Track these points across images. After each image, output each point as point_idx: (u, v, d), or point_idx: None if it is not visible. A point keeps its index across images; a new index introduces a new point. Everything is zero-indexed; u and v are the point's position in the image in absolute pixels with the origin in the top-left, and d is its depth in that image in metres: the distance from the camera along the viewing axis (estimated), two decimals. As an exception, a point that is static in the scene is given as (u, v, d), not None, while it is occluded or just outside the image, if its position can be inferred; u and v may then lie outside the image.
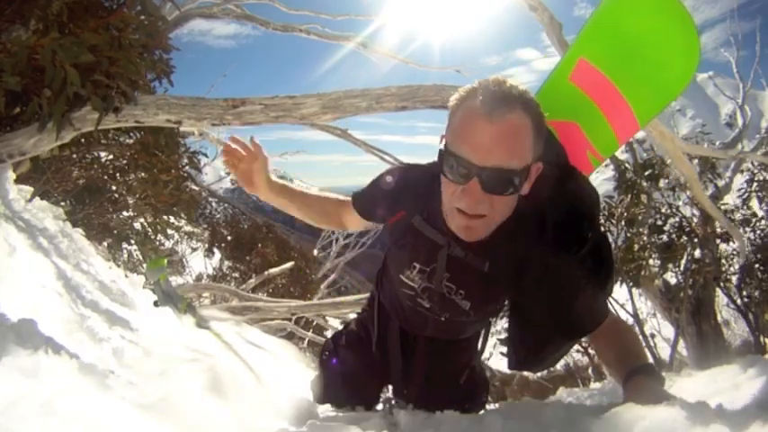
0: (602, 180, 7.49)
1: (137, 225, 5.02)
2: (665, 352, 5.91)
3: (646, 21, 0.93)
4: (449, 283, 1.02)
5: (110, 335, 1.63)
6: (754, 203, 5.57)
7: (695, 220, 5.32)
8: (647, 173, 5.05)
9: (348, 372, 1.31)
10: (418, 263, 1.04)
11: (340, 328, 1.47)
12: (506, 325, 1.12)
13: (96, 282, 2.26)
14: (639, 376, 0.78)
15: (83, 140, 3.41)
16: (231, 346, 3.24)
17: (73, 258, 2.28)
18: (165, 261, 4.14)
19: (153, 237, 5.22)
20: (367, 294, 1.49)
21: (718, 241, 5.28)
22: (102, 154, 4.26)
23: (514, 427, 0.81)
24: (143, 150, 3.93)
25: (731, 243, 5.32)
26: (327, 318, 6.47)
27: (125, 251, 5.36)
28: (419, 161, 1.10)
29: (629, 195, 5.00)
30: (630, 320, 5.57)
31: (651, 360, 1.02)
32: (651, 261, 5.04)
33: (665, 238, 5.26)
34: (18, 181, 2.56)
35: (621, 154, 5.73)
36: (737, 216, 5.49)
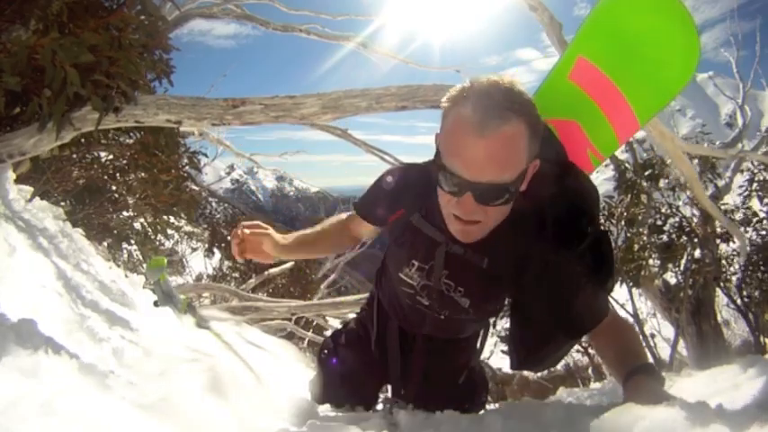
0: (602, 180, 7.48)
1: (137, 225, 5.02)
2: (665, 352, 5.91)
3: (645, 19, 0.93)
4: (447, 281, 1.02)
5: (110, 335, 1.62)
6: (755, 203, 5.57)
7: (695, 220, 5.31)
8: (647, 173, 5.05)
9: (347, 371, 1.32)
10: (417, 260, 1.04)
11: (340, 327, 1.47)
12: (507, 324, 1.12)
13: (96, 282, 2.26)
14: (639, 376, 0.78)
15: (83, 140, 3.40)
16: (231, 346, 3.24)
17: (73, 258, 2.28)
18: (165, 261, 4.13)
19: (153, 237, 5.22)
20: (366, 294, 1.49)
21: (718, 241, 5.28)
22: (102, 154, 4.26)
23: (514, 427, 0.81)
24: (143, 150, 3.92)
25: (731, 243, 5.32)
26: (327, 318, 6.46)
27: (125, 251, 5.35)
28: (419, 161, 1.10)
29: (629, 195, 5.00)
30: (630, 320, 5.56)
31: (651, 360, 1.02)
32: (651, 261, 5.04)
33: (665, 238, 5.26)
34: (18, 181, 2.56)
35: (621, 154, 5.73)
36: (738, 216, 5.49)
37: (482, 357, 1.35)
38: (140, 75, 2.06)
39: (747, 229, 5.48)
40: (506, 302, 1.11)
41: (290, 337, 6.45)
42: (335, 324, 6.60)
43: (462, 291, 1.03)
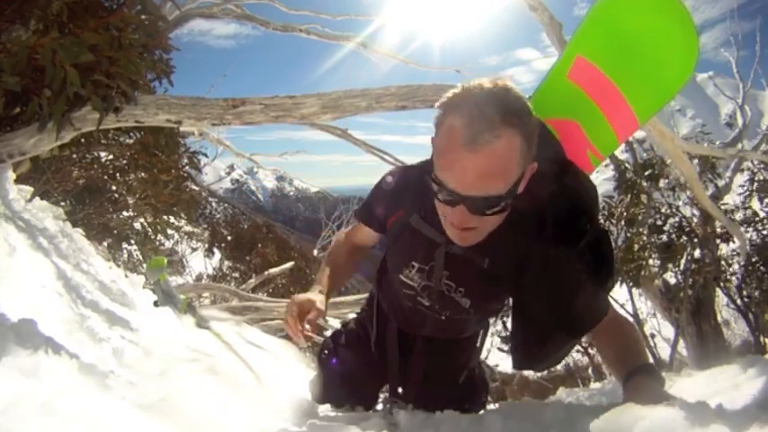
0: (602, 180, 7.48)
1: (137, 225, 5.01)
2: (665, 352, 5.91)
3: (644, 18, 0.93)
4: (448, 281, 1.02)
5: (110, 335, 1.62)
6: (755, 203, 5.57)
7: (695, 220, 5.31)
8: (647, 173, 5.05)
9: (347, 371, 1.32)
10: (417, 262, 1.04)
11: (340, 327, 1.47)
12: (508, 324, 1.11)
13: (96, 282, 2.26)
14: (639, 376, 0.78)
15: (83, 140, 3.40)
16: (231, 346, 3.24)
17: (73, 258, 2.28)
18: (165, 261, 4.13)
19: (153, 237, 5.22)
20: (366, 294, 1.49)
21: (718, 241, 5.28)
22: (102, 154, 4.26)
23: (514, 427, 0.81)
24: (143, 150, 3.92)
25: (731, 243, 5.32)
26: (327, 318, 6.46)
27: (125, 251, 5.35)
28: (419, 161, 1.10)
29: (629, 195, 5.00)
30: (630, 320, 5.55)
31: (651, 359, 1.02)
32: (651, 261, 5.04)
33: (665, 238, 5.25)
34: (18, 181, 2.56)
35: (621, 154, 5.73)
36: (738, 216, 5.49)
37: (481, 357, 1.35)
38: (140, 75, 2.06)
39: (748, 229, 5.49)
40: (507, 302, 1.11)
41: (290, 337, 6.44)
42: (335, 324, 6.60)
43: (463, 291, 1.03)
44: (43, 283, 1.60)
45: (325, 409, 1.31)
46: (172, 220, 6.16)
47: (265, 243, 9.46)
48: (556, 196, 0.87)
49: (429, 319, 1.12)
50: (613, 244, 4.82)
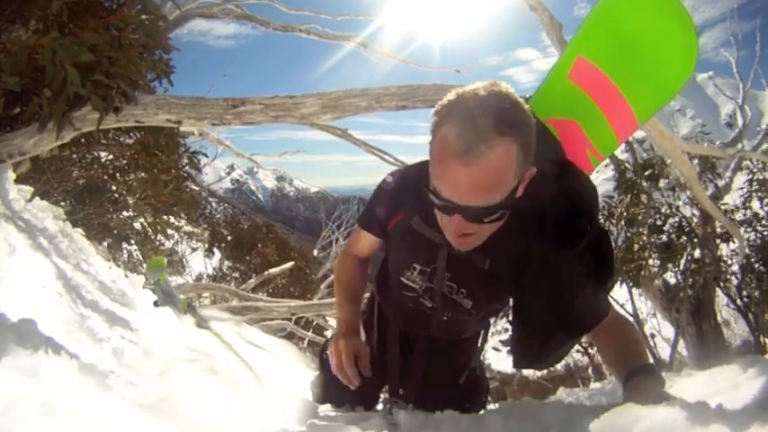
0: (602, 180, 7.49)
1: (137, 225, 5.01)
2: (665, 352, 5.91)
3: (644, 18, 0.93)
4: (450, 283, 1.02)
5: (110, 335, 1.63)
6: (755, 203, 5.57)
7: (695, 220, 5.32)
8: (647, 173, 5.05)
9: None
10: (418, 264, 1.04)
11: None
12: (508, 324, 1.11)
13: (96, 282, 2.26)
14: (640, 376, 0.78)
15: (83, 140, 3.41)
16: (231, 346, 3.24)
17: (73, 258, 2.28)
18: (165, 261, 4.13)
19: (153, 237, 5.22)
20: (367, 294, 1.49)
21: (718, 241, 5.28)
22: (102, 154, 4.26)
23: (514, 427, 0.81)
24: (143, 150, 3.93)
25: (731, 243, 5.32)
26: (327, 318, 6.46)
27: (125, 251, 5.35)
28: (419, 161, 1.10)
29: (629, 195, 5.00)
30: (630, 320, 5.55)
31: (651, 359, 1.02)
32: (651, 261, 5.04)
33: (664, 238, 5.26)
34: (18, 181, 2.56)
35: (621, 154, 5.74)
36: (738, 216, 5.49)
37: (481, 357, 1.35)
38: (140, 75, 2.06)
39: (747, 229, 5.49)
40: (508, 301, 1.11)
41: (290, 337, 6.45)
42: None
43: (465, 292, 1.03)
44: (43, 283, 1.60)
45: (326, 409, 1.31)
46: (172, 220, 6.16)
47: (265, 243, 9.47)
48: (556, 197, 0.87)
49: (431, 320, 1.12)
50: (613, 244, 4.82)
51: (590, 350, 7.23)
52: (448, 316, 1.08)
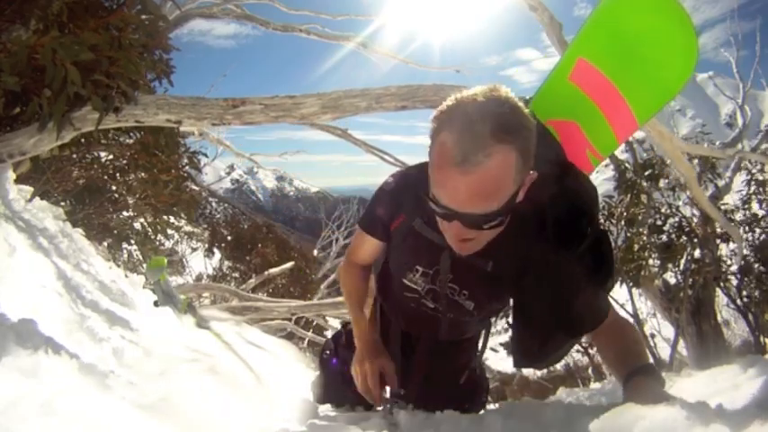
0: (602, 180, 7.49)
1: (137, 225, 5.01)
2: (665, 352, 5.91)
3: (644, 20, 0.93)
4: (452, 285, 1.02)
5: (110, 335, 1.63)
6: (755, 204, 5.57)
7: (695, 220, 5.32)
8: (647, 173, 5.05)
9: (348, 371, 1.32)
10: (421, 266, 1.04)
11: (340, 328, 1.47)
12: (507, 325, 1.11)
13: (96, 282, 2.26)
14: (640, 376, 0.78)
15: (83, 140, 3.41)
16: (231, 346, 3.24)
17: (73, 258, 2.28)
18: (165, 261, 4.13)
19: (153, 237, 5.22)
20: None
21: (718, 241, 5.28)
22: (102, 154, 4.26)
23: (514, 427, 0.81)
24: (143, 150, 3.93)
25: (731, 243, 5.32)
26: (327, 318, 6.47)
27: (125, 251, 5.35)
28: (418, 161, 1.10)
29: (629, 195, 5.00)
30: (630, 320, 5.55)
31: (651, 359, 1.02)
32: (651, 261, 5.04)
33: (664, 238, 5.26)
34: (18, 181, 2.56)
35: (621, 154, 5.74)
36: (738, 216, 5.49)
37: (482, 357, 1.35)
38: (140, 75, 2.06)
39: (747, 229, 5.48)
40: (509, 302, 1.11)
41: (290, 337, 6.46)
42: (335, 324, 6.60)
43: (467, 294, 1.03)
44: (43, 283, 1.60)
45: (326, 409, 1.31)
46: (172, 220, 6.16)
47: (265, 243, 9.47)
48: (556, 198, 0.87)
49: (432, 321, 1.12)
50: (613, 244, 4.82)
51: (590, 350, 7.23)
52: (450, 317, 1.08)
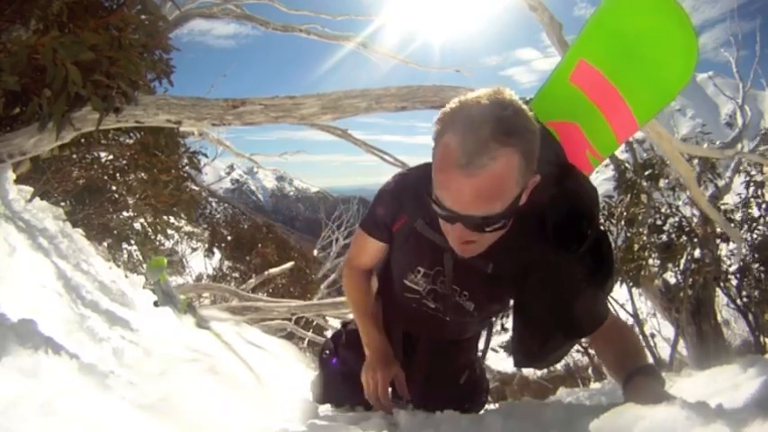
0: (602, 180, 7.49)
1: (137, 225, 5.02)
2: (665, 352, 5.91)
3: (644, 21, 0.94)
4: (453, 286, 1.03)
5: (110, 335, 1.63)
6: (754, 208, 5.56)
7: (695, 219, 5.31)
8: (646, 173, 5.05)
9: (348, 371, 1.31)
10: (423, 267, 1.04)
11: (340, 327, 1.47)
12: (502, 326, 1.11)
13: (96, 282, 2.26)
14: (639, 377, 0.79)
15: (83, 140, 3.41)
16: (231, 346, 3.25)
17: (73, 258, 2.28)
18: (165, 261, 4.14)
19: (153, 237, 5.22)
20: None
21: (718, 241, 5.28)
22: (102, 154, 4.26)
23: (514, 427, 0.81)
24: (143, 150, 3.93)
25: (731, 243, 5.32)
26: (327, 318, 6.47)
27: (125, 251, 5.36)
28: (419, 161, 1.10)
29: (629, 195, 5.00)
30: (630, 320, 5.56)
31: (651, 360, 1.02)
32: (651, 261, 5.04)
33: (664, 237, 5.26)
34: (18, 181, 2.56)
35: (621, 154, 5.73)
36: (737, 216, 5.48)
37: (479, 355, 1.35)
38: (140, 75, 2.06)
39: (746, 227, 5.48)
40: (509, 302, 1.11)
41: (290, 337, 6.46)
42: (335, 324, 6.61)
43: (467, 295, 1.03)
44: (43, 283, 1.60)
45: (326, 409, 1.31)
46: (172, 220, 6.17)
47: (265, 243, 9.47)
48: (557, 199, 0.87)
49: (433, 321, 1.13)
50: (613, 244, 4.82)
51: (590, 350, 7.22)
52: (450, 317, 1.09)
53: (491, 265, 0.95)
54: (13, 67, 1.72)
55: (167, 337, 2.34)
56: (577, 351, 7.52)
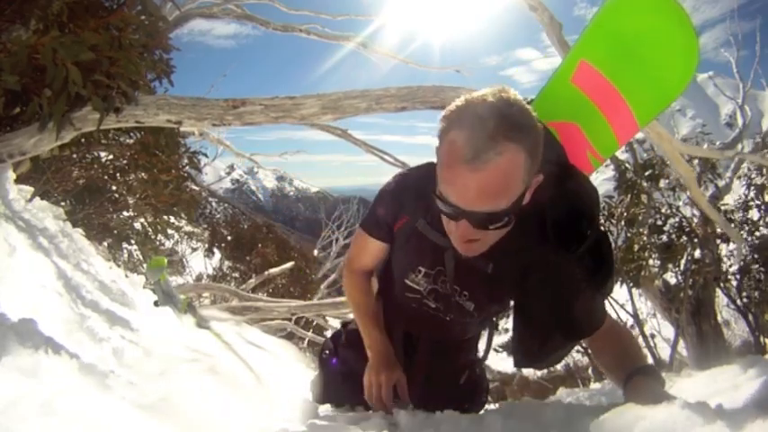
0: (602, 180, 7.49)
1: (137, 225, 5.02)
2: (665, 352, 5.92)
3: (645, 22, 0.94)
4: (453, 286, 1.03)
5: (110, 335, 1.63)
6: (753, 211, 5.56)
7: (695, 220, 5.32)
8: (647, 173, 5.06)
9: (348, 371, 1.31)
10: (424, 267, 1.04)
11: (340, 327, 1.47)
12: (510, 324, 1.12)
13: (96, 282, 2.26)
14: (639, 377, 0.79)
15: (83, 140, 3.41)
16: (231, 346, 3.25)
17: (73, 258, 2.28)
18: (165, 261, 4.14)
19: (153, 237, 5.22)
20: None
21: (718, 241, 5.28)
22: (102, 154, 4.26)
23: (514, 427, 0.81)
24: (143, 150, 3.93)
25: (731, 243, 5.32)
26: (327, 318, 6.47)
27: (125, 251, 5.36)
28: (419, 161, 1.10)
29: (629, 195, 5.01)
30: (630, 321, 5.57)
31: (651, 361, 1.03)
32: (651, 261, 5.05)
33: (665, 238, 5.26)
34: (18, 181, 2.56)
35: (622, 154, 5.73)
36: (737, 216, 5.48)
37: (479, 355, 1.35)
38: (140, 75, 2.06)
39: (746, 228, 5.48)
40: (509, 303, 1.11)
41: (290, 337, 6.46)
42: (335, 324, 6.60)
43: (467, 295, 1.03)
44: (43, 283, 1.60)
45: (326, 409, 1.31)
46: (172, 220, 6.17)
47: (265, 243, 9.47)
48: (557, 199, 0.87)
49: (434, 321, 1.13)
50: (613, 244, 4.82)
51: (590, 351, 7.23)
52: (450, 317, 1.09)
53: (491, 266, 0.95)
54: (13, 67, 1.72)
55: (167, 337, 2.34)
56: (577, 351, 7.52)
